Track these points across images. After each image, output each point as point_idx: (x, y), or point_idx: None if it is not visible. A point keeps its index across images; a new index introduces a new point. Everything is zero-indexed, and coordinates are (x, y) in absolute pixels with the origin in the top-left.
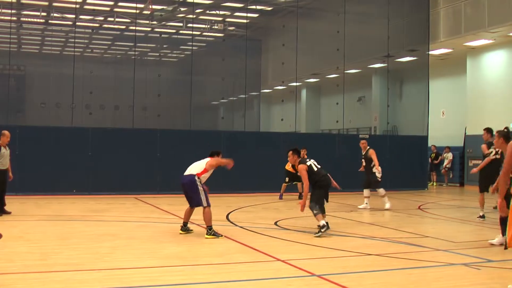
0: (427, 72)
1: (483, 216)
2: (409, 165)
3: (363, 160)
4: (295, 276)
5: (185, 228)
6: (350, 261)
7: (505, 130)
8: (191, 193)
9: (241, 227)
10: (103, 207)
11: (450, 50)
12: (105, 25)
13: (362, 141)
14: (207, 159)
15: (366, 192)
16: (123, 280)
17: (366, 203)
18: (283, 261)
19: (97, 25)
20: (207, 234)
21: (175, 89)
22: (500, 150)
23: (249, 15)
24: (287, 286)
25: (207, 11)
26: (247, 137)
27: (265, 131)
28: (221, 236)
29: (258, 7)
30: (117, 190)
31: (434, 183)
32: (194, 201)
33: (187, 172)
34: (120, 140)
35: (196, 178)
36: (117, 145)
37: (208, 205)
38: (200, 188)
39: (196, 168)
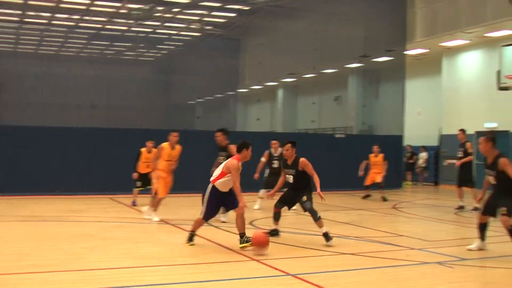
0: (403, 72)
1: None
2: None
3: (276, 161)
4: (270, 275)
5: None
6: (325, 260)
7: (492, 134)
8: (202, 199)
9: (216, 227)
10: (79, 208)
11: (426, 50)
12: (81, 24)
13: (274, 142)
14: (229, 160)
15: (263, 192)
16: (100, 280)
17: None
18: (258, 260)
19: (73, 23)
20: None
21: (151, 88)
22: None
23: (226, 14)
24: (261, 285)
25: (184, 10)
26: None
27: (241, 130)
28: (191, 243)
29: (236, 7)
30: (93, 190)
31: (409, 183)
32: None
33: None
34: (96, 139)
35: (210, 185)
36: (93, 145)
37: (204, 219)
38: (207, 198)
39: (215, 172)
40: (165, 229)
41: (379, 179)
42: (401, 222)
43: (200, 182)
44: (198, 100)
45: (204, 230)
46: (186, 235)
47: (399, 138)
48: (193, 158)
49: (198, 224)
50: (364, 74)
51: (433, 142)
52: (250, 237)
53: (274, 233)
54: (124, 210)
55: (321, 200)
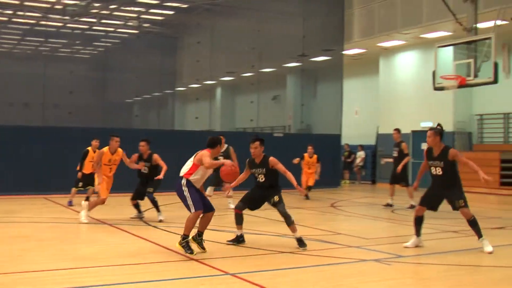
0: (341, 71)
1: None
2: (323, 163)
3: (221, 157)
4: (209, 275)
5: (198, 239)
6: (263, 259)
7: (439, 127)
8: (181, 198)
9: (154, 226)
10: (13, 208)
11: (363, 50)
12: (15, 19)
13: (220, 137)
14: (200, 152)
15: (210, 190)
16: (35, 283)
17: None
18: (196, 260)
19: (5, 18)
20: (179, 242)
21: (88, 86)
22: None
23: (164, 12)
24: (200, 285)
25: (122, 7)
26: (161, 136)
27: (179, 129)
28: (193, 253)
29: (174, 4)
30: (27, 190)
31: (347, 181)
32: (186, 207)
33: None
34: (30, 138)
35: (183, 180)
36: (26, 144)
37: (198, 209)
38: (187, 192)
39: (184, 167)
40: (102, 229)
41: (311, 182)
42: (340, 220)
43: (134, 180)
44: (136, 98)
45: (142, 230)
46: (126, 235)
47: (337, 137)
48: (130, 157)
49: (189, 222)
50: (303, 73)
51: (371, 141)
52: (192, 250)
53: (241, 239)
54: (60, 210)
55: (302, 196)
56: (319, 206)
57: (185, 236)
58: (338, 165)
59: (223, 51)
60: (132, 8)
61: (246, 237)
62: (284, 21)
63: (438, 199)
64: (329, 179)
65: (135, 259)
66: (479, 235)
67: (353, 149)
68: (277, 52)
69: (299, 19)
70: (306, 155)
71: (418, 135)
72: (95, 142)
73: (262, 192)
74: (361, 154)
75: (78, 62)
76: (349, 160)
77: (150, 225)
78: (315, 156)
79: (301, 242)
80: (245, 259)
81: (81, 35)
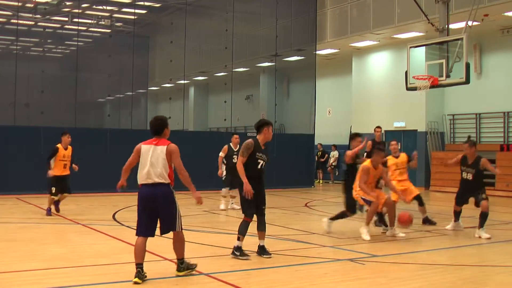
0: (314, 71)
1: None
2: (296, 163)
3: (236, 156)
4: (183, 275)
5: (142, 274)
6: (238, 259)
7: (471, 139)
8: (167, 211)
9: (128, 226)
10: None
11: (336, 50)
12: None
13: (235, 136)
14: (164, 148)
15: (225, 192)
16: (4, 284)
17: (229, 202)
18: (170, 260)
19: None
20: (179, 269)
21: (59, 85)
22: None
23: (137, 11)
24: (174, 285)
25: (94, 6)
26: (134, 135)
27: None
28: (196, 266)
29: (146, 3)
30: None
31: (320, 181)
32: (167, 224)
33: (154, 178)
34: (1, 137)
35: (170, 188)
36: None
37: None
38: (177, 204)
39: (158, 168)
40: (74, 229)
41: (414, 192)
42: (313, 220)
43: (110, 181)
44: (108, 97)
45: (115, 230)
46: (98, 235)
47: (311, 137)
48: (102, 157)
49: (183, 243)
50: (276, 73)
51: (344, 141)
52: (193, 264)
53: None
54: (31, 210)
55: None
56: (293, 206)
57: (182, 260)
58: (312, 165)
59: (196, 50)
60: (104, 7)
61: (220, 236)
62: (256, 21)
63: (467, 199)
64: (303, 179)
65: (109, 259)
66: (481, 226)
67: (326, 149)
68: (250, 52)
69: (272, 19)
70: (389, 157)
71: (391, 135)
72: (66, 138)
73: (260, 190)
74: (334, 154)
75: (49, 61)
76: (322, 159)
77: (123, 225)
78: (403, 154)
79: (239, 251)
80: (219, 259)
81: (52, 34)
